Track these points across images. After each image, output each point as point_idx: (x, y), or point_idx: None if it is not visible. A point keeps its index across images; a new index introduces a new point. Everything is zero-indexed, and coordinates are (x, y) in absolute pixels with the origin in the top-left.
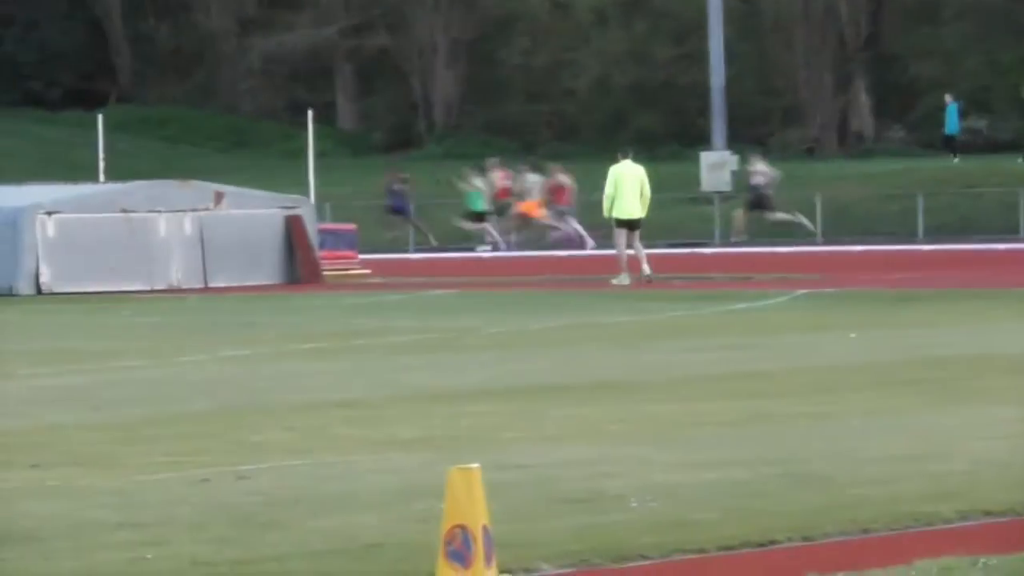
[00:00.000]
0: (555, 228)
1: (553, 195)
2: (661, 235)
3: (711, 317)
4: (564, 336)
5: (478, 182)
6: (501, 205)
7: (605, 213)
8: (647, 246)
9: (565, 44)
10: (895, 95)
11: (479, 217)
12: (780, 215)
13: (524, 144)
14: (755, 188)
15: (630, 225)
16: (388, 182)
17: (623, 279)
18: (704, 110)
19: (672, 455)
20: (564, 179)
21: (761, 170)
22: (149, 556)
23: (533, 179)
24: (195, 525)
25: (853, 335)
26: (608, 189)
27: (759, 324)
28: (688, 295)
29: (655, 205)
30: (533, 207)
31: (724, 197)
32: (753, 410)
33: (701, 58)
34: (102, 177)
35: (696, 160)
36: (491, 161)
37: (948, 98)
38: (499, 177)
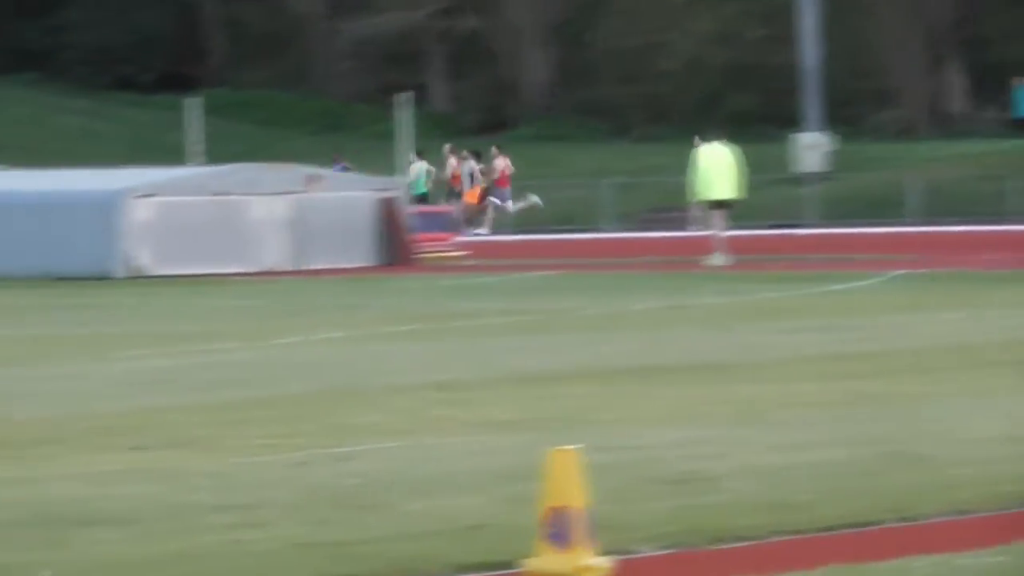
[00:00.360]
0: (502, 209)
1: (497, 179)
2: (755, 216)
3: (807, 298)
4: (660, 317)
5: (421, 166)
6: (455, 191)
7: (693, 196)
8: (743, 227)
9: (656, 25)
10: (990, 76)
11: (422, 199)
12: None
13: (616, 126)
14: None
15: (720, 206)
16: (334, 166)
17: (717, 260)
18: (796, 91)
19: (769, 436)
20: (503, 163)
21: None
22: (247, 539)
23: (473, 165)
24: (293, 507)
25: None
26: (698, 171)
27: (855, 305)
28: (783, 276)
29: (750, 186)
30: (474, 195)
31: (819, 178)
32: (850, 391)
33: (792, 39)
34: (195, 161)
35: (790, 141)
36: (446, 147)
37: (1017, 81)
38: (453, 164)
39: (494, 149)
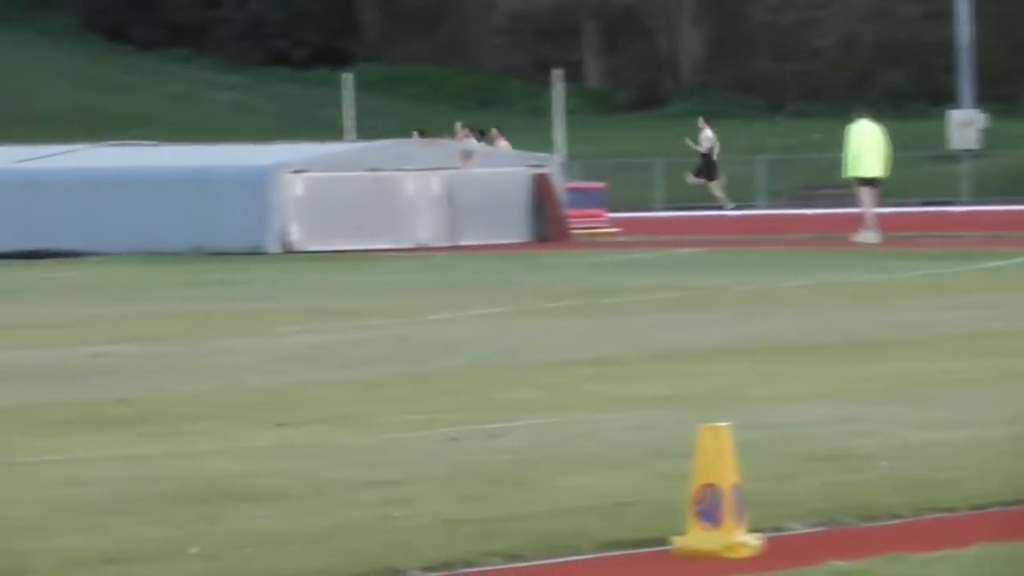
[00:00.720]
0: None
1: None
2: (909, 193)
3: (959, 276)
4: (812, 294)
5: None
6: None
7: (846, 172)
8: (895, 204)
9: (812, 2)
10: None
11: None
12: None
13: (770, 103)
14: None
15: (871, 183)
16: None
17: (868, 236)
18: (951, 68)
19: (921, 413)
20: (504, 145)
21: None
22: (397, 514)
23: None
24: (444, 483)
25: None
26: (850, 148)
27: (1008, 282)
28: (936, 254)
29: (903, 163)
30: None
31: (973, 155)
32: (1003, 368)
33: (947, 16)
34: (348, 136)
35: (944, 118)
36: (458, 125)
37: None
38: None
39: (494, 130)
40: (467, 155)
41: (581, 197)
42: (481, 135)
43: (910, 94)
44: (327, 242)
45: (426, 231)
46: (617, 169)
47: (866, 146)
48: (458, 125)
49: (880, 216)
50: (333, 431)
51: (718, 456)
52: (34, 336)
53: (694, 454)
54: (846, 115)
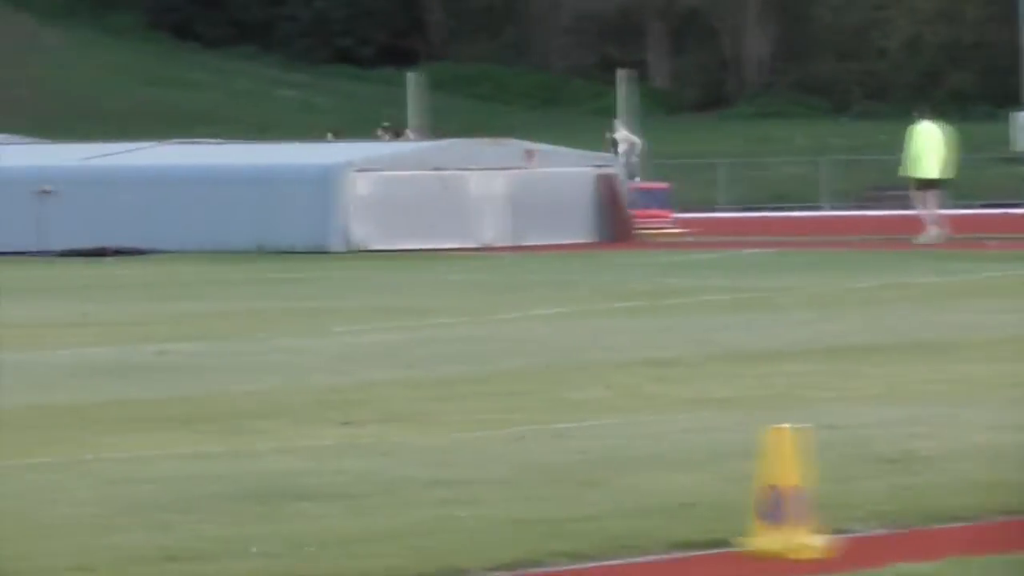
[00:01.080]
0: None
1: None
2: (973, 195)
3: None
4: (877, 296)
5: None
6: None
7: (905, 172)
8: (960, 206)
9: (876, 3)
10: None
11: None
12: None
13: (835, 103)
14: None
15: (932, 185)
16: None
17: (929, 237)
18: (1016, 70)
19: (986, 416)
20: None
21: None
22: (462, 514)
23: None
24: (509, 483)
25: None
26: (911, 149)
27: None
28: (1001, 256)
29: (968, 165)
30: None
31: None
32: None
33: (1012, 17)
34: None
35: (1009, 120)
36: (385, 125)
37: None
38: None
39: (408, 131)
40: (529, 154)
41: (645, 197)
42: (396, 136)
43: (975, 96)
44: (391, 241)
45: (491, 231)
46: (681, 169)
47: (927, 147)
48: (384, 125)
49: (944, 218)
50: (398, 430)
51: (783, 457)
52: (99, 333)
53: (760, 455)
54: (911, 116)
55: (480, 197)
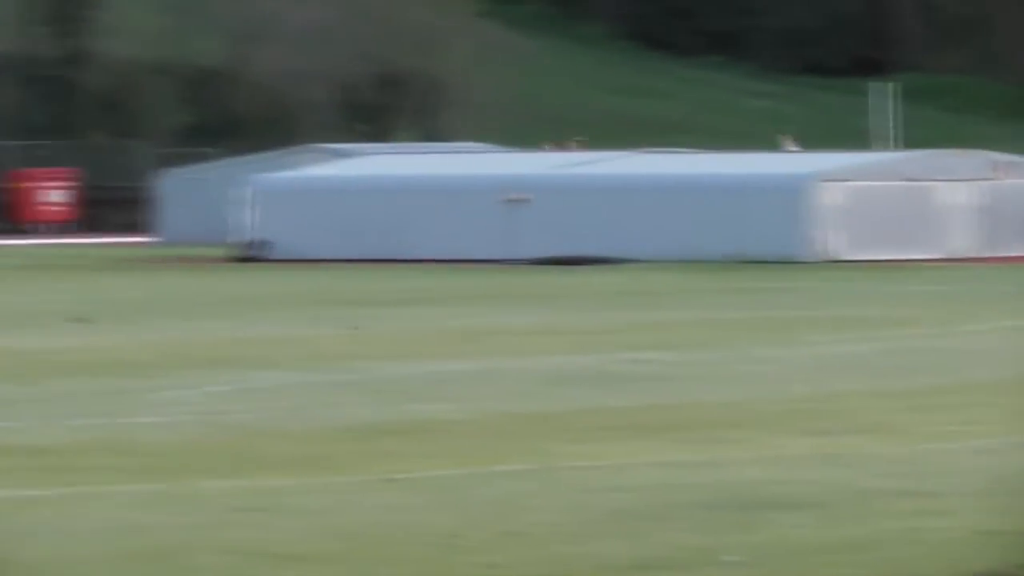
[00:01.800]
0: None
1: None
2: None
3: None
4: None
5: None
6: None
7: None
8: None
9: None
10: None
11: None
12: None
13: None
14: None
15: None
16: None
17: None
18: None
19: None
20: None
21: None
22: (927, 526)
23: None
24: (979, 495)
25: None
26: None
27: None
28: None
29: None
30: None
31: None
32: None
33: None
34: (880, 145)
35: None
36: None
37: None
38: None
39: None
40: (996, 166)
41: None
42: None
43: None
44: (863, 251)
45: (961, 241)
46: None
47: None
48: (579, 139)
49: None
50: (868, 440)
51: None
52: (572, 342)
53: None
54: None
55: (947, 207)
